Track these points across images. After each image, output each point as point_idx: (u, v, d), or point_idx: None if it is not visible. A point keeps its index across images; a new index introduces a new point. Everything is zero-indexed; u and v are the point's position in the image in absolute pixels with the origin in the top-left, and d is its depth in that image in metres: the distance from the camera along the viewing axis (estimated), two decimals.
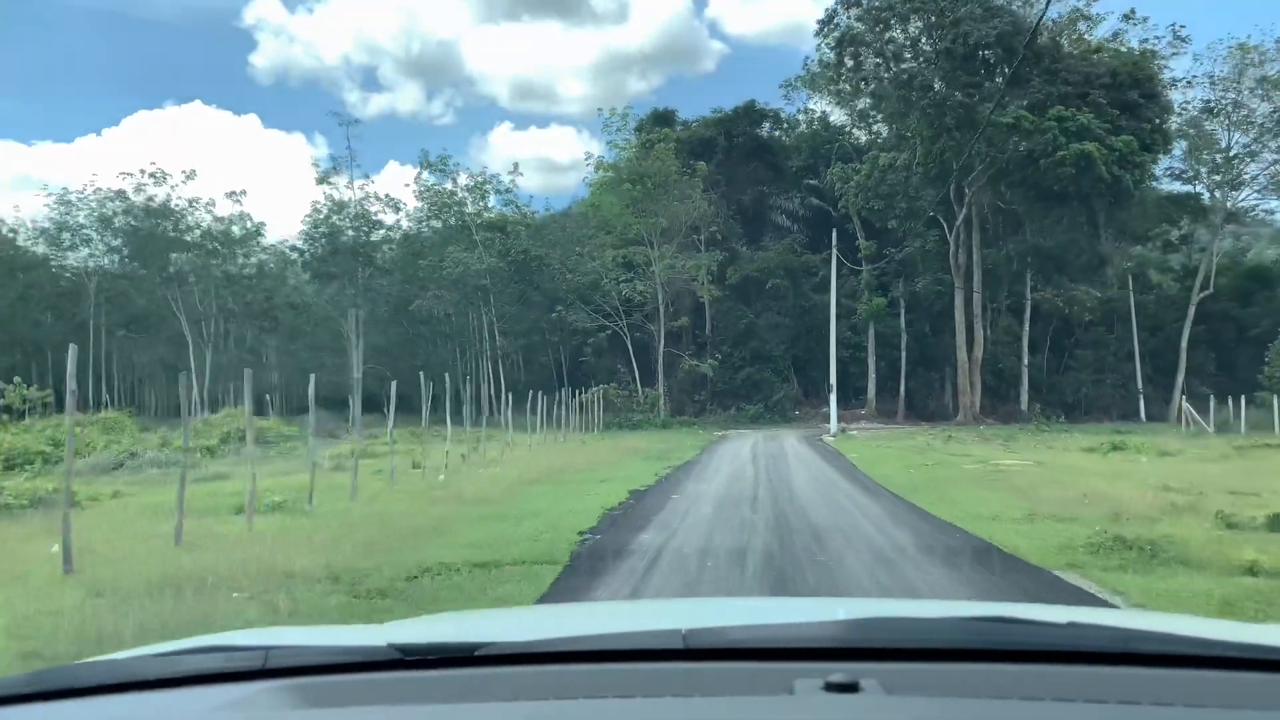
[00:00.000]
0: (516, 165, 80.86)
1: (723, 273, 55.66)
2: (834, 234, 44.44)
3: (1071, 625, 1.63)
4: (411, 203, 58.60)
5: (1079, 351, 55.54)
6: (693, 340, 56.90)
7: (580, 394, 46.88)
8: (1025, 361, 54.06)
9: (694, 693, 1.36)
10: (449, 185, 56.67)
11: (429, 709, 1.39)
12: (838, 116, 59.96)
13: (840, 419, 54.34)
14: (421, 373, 23.59)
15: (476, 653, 1.52)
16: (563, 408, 37.94)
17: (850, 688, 1.30)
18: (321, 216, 55.86)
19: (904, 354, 54.12)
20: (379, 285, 57.15)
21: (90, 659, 1.83)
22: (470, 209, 56.13)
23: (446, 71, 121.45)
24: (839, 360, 57.14)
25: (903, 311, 54.50)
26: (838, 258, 42.95)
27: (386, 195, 56.23)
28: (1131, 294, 54.40)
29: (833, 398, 39.51)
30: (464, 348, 55.69)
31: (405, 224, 59.49)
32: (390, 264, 58.75)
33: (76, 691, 1.51)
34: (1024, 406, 53.04)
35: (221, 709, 1.42)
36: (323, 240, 56.09)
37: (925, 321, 55.44)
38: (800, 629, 1.68)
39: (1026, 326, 54.25)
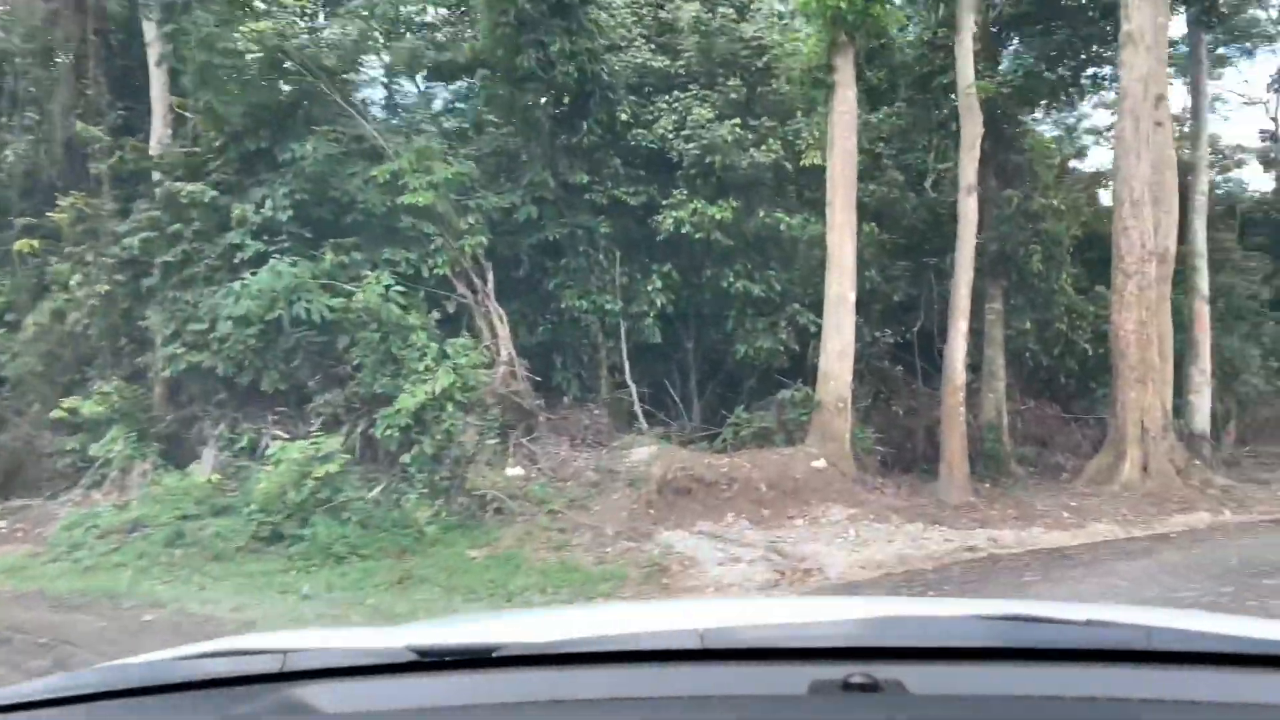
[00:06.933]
0: None
1: None
2: None
3: (1092, 623, 1.58)
4: None
5: None
6: None
7: None
8: None
9: (711, 693, 1.38)
10: None
11: (447, 710, 1.41)
12: None
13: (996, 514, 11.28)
14: None
15: (495, 654, 1.51)
16: None
17: (869, 688, 1.30)
18: None
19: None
20: None
21: (106, 664, 1.78)
22: None
23: None
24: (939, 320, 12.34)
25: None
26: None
27: None
28: None
29: None
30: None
31: None
32: None
33: (92, 697, 1.50)
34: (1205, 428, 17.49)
35: (240, 713, 1.44)
36: None
37: None
38: (818, 629, 1.65)
39: None
